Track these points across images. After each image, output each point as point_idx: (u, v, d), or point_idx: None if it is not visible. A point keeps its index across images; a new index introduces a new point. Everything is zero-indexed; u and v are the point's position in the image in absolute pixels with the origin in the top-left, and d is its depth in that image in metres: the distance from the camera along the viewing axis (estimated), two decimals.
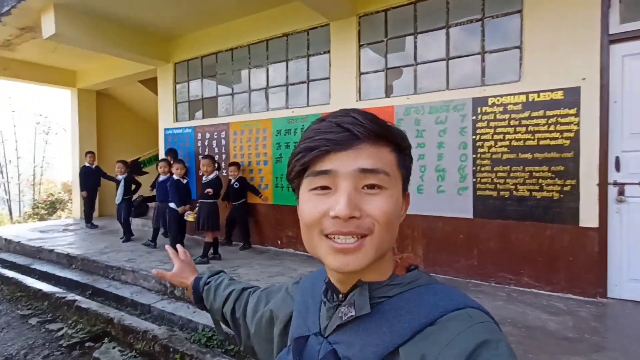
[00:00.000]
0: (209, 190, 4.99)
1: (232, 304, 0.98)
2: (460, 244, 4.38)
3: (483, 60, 4.31)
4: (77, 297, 4.09)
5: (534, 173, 3.98)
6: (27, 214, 13.28)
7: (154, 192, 6.55)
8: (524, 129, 4.03)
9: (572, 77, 3.76)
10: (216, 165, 5.29)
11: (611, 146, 3.70)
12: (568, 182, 3.79)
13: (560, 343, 2.76)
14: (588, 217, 3.71)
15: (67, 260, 5.46)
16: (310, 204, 0.59)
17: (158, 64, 7.08)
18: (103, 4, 5.43)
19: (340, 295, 0.64)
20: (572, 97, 3.76)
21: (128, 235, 6.44)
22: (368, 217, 0.56)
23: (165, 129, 7.32)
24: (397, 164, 0.62)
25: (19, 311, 4.24)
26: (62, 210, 12.94)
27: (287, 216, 5.68)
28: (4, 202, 14.05)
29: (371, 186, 0.57)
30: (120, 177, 6.62)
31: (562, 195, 3.82)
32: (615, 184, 3.70)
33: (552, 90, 3.85)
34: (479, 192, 4.28)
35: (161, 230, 6.02)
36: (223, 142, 6.43)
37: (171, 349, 3.04)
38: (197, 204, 5.19)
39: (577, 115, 3.74)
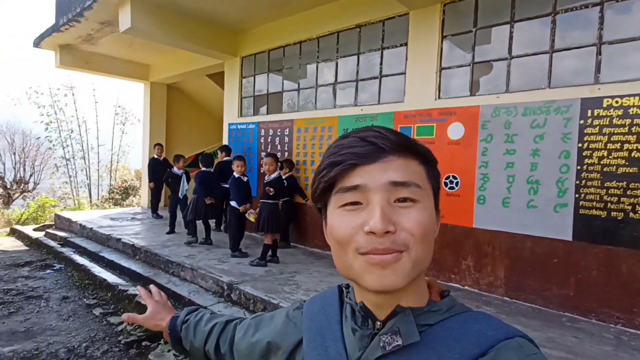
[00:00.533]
0: (271, 189, 4.76)
1: (215, 340, 0.87)
2: (553, 269, 3.75)
3: (599, 52, 3.60)
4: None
5: None
6: (104, 198, 14.27)
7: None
8: None
9: None
10: (279, 164, 5.05)
11: None
12: None
13: None
14: None
15: (132, 251, 5.56)
16: (341, 220, 0.56)
17: (226, 57, 7.05)
18: None
19: (378, 323, 0.59)
20: None
21: (171, 228, 6.50)
22: (403, 231, 0.54)
23: (230, 124, 7.28)
24: (427, 176, 0.59)
25: (85, 300, 4.34)
26: (134, 196, 13.74)
27: None
28: (85, 185, 15.20)
29: (403, 199, 0.55)
30: (179, 171, 6.66)
31: None
32: None
33: None
34: (582, 211, 3.61)
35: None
36: (286, 139, 6.20)
37: None
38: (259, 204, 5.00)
39: None
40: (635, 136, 3.36)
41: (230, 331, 0.86)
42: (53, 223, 8.32)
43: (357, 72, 5.36)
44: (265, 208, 4.80)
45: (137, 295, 3.95)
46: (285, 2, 5.58)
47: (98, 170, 16.07)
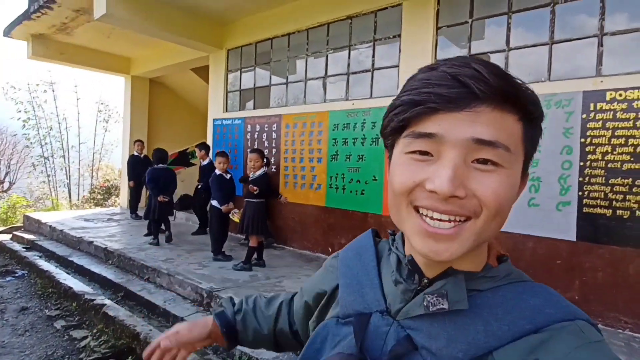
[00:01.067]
0: (254, 187, 4.46)
1: (286, 319, 0.84)
2: (556, 271, 3.57)
3: (600, 44, 3.43)
4: (106, 301, 3.68)
5: None
6: (85, 198, 13.81)
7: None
8: None
9: None
10: (265, 160, 4.75)
11: None
12: None
13: None
14: None
15: (105, 255, 5.17)
16: (403, 169, 0.50)
17: (210, 50, 6.73)
18: None
19: (425, 280, 0.54)
20: None
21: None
22: (474, 198, 0.46)
23: (214, 120, 6.96)
24: (523, 138, 0.50)
25: (46, 311, 3.89)
26: (117, 196, 13.32)
27: (341, 221, 5.05)
28: (65, 185, 14.66)
29: (484, 161, 0.46)
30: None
31: None
32: None
33: None
34: (585, 209, 3.43)
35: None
36: (274, 135, 5.91)
37: None
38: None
39: None
40: None
41: (295, 304, 0.82)
42: (22, 225, 7.83)
43: (349, 65, 5.11)
44: (250, 207, 4.50)
45: (105, 305, 3.58)
46: None
47: (79, 169, 15.62)
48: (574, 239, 3.47)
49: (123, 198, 9.39)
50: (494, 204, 0.46)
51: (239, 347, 0.90)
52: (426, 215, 0.48)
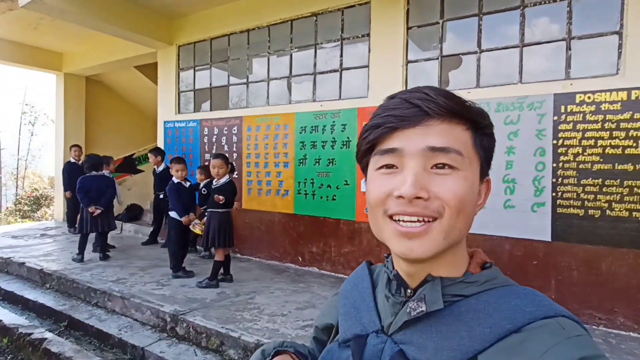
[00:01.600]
0: (220, 197, 4.05)
1: None
2: (533, 272, 3.62)
3: (569, 47, 3.51)
4: (47, 335, 3.08)
5: (635, 189, 3.22)
6: (9, 210, 12.43)
7: None
8: (623, 133, 3.28)
9: None
10: (229, 166, 4.36)
11: None
12: None
13: None
14: None
15: (41, 278, 4.45)
16: (375, 184, 0.56)
17: (159, 46, 6.15)
18: None
19: (409, 291, 0.58)
20: None
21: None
22: (437, 200, 0.52)
23: (165, 122, 6.37)
24: (473, 144, 0.56)
25: None
26: (47, 207, 12.10)
27: (311, 228, 4.79)
28: None
29: (441, 166, 0.53)
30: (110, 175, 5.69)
31: None
32: None
33: None
34: (559, 210, 3.50)
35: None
36: (234, 138, 5.50)
37: None
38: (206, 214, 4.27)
39: None
40: (608, 132, 3.31)
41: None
42: None
43: (315, 64, 4.87)
44: (214, 218, 4.08)
45: (45, 339, 2.99)
46: None
47: (1, 177, 14.02)
48: (549, 239, 3.52)
49: (58, 210, 8.37)
50: (454, 202, 0.52)
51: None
52: (399, 220, 0.53)
